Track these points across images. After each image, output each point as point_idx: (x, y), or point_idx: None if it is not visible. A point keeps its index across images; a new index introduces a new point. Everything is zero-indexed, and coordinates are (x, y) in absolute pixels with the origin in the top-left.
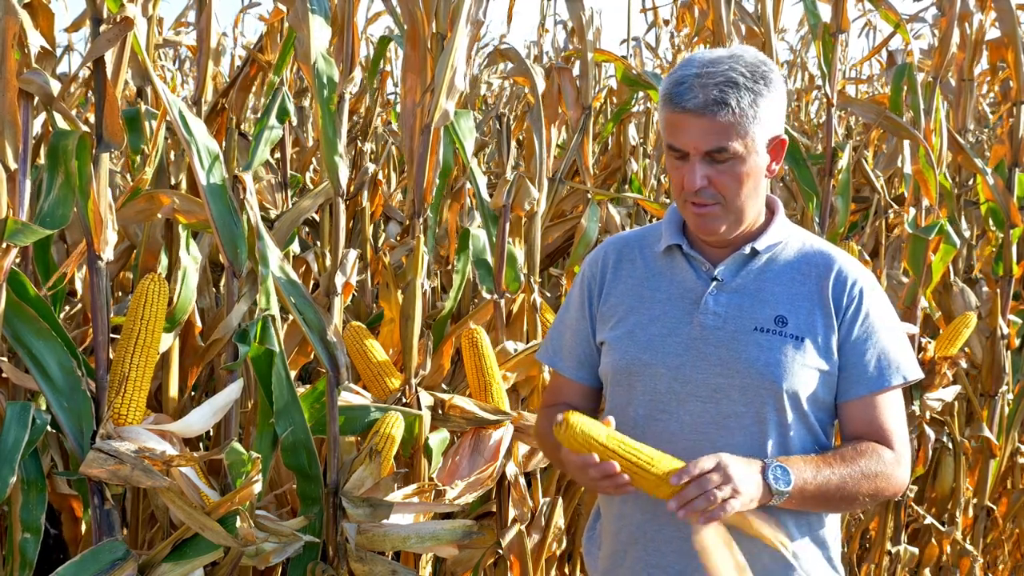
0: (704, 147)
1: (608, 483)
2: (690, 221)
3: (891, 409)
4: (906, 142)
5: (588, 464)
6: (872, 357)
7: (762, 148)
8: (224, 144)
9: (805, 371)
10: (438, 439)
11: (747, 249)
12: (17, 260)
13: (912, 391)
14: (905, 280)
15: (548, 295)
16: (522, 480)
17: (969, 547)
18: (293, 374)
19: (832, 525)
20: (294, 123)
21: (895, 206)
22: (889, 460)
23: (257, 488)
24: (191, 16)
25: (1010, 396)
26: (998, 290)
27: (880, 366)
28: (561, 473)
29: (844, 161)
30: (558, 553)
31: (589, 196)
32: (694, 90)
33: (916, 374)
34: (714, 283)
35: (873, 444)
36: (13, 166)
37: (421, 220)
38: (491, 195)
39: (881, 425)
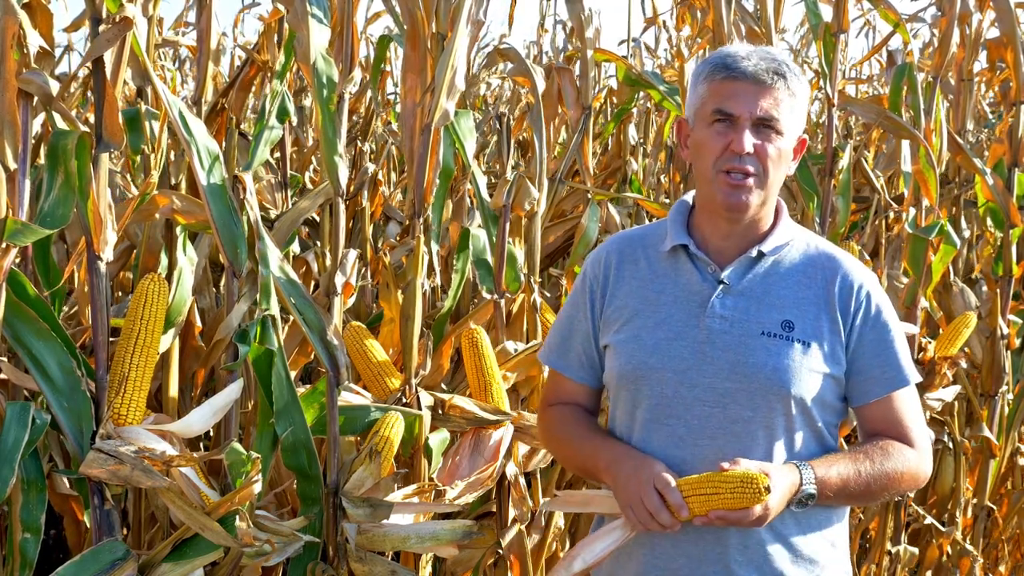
0: (759, 112)
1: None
2: (719, 193)
3: (908, 405)
4: (905, 142)
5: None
6: (885, 359)
7: (794, 138)
8: (224, 144)
9: (812, 375)
10: (438, 439)
11: (754, 252)
12: (17, 260)
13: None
14: (905, 280)
15: (548, 295)
16: (522, 480)
17: (969, 547)
18: (293, 374)
19: (841, 525)
20: (294, 123)
21: (895, 206)
22: (913, 459)
23: (257, 488)
24: (191, 16)
25: (1010, 396)
26: (998, 290)
27: (896, 366)
28: (562, 474)
29: (845, 161)
30: (561, 556)
31: (589, 196)
32: (752, 59)
33: (916, 376)
34: (721, 286)
35: (896, 443)
36: (13, 166)
37: (421, 220)
38: (491, 195)
39: (900, 422)
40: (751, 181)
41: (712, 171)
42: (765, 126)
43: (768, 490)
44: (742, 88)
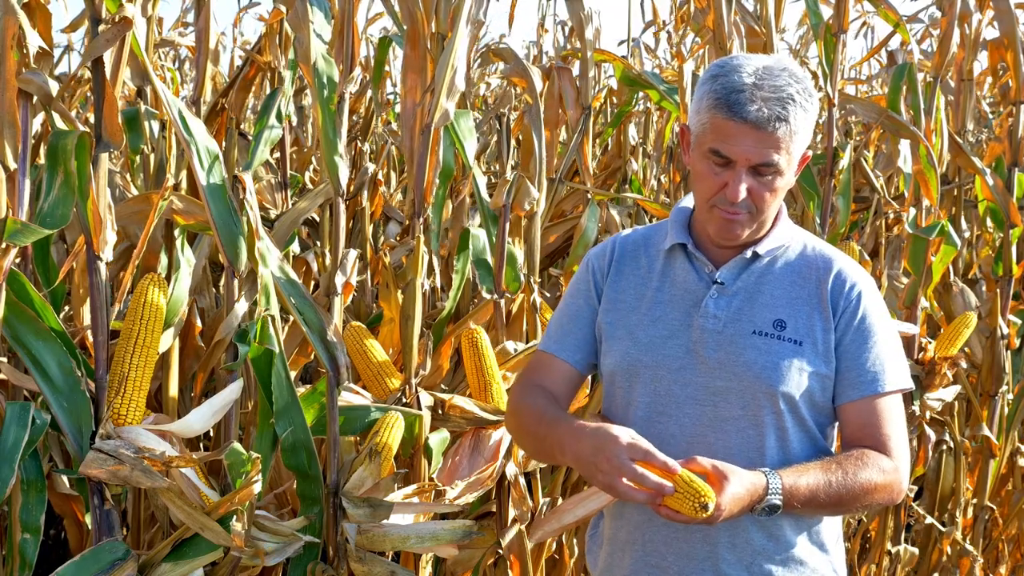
0: (756, 160)
1: (635, 492)
2: (713, 225)
3: (889, 415)
4: (905, 142)
5: (634, 472)
6: (868, 361)
7: (796, 163)
8: (224, 144)
9: (802, 375)
10: (438, 439)
11: (749, 253)
12: (17, 260)
13: (912, 391)
14: (905, 280)
15: (548, 295)
16: (522, 480)
17: (969, 547)
18: (293, 374)
19: (832, 528)
20: (294, 123)
21: (895, 206)
22: (888, 470)
23: (257, 488)
24: (190, 16)
25: (1010, 396)
26: (998, 290)
27: (876, 371)
28: (566, 475)
29: (845, 161)
30: (571, 564)
31: (589, 196)
32: (756, 102)
33: (909, 384)
34: (715, 286)
35: (873, 454)
36: (13, 166)
37: (421, 220)
38: (491, 195)
39: (879, 430)
40: (743, 217)
41: (706, 205)
42: (763, 171)
43: (704, 509)
44: (742, 133)
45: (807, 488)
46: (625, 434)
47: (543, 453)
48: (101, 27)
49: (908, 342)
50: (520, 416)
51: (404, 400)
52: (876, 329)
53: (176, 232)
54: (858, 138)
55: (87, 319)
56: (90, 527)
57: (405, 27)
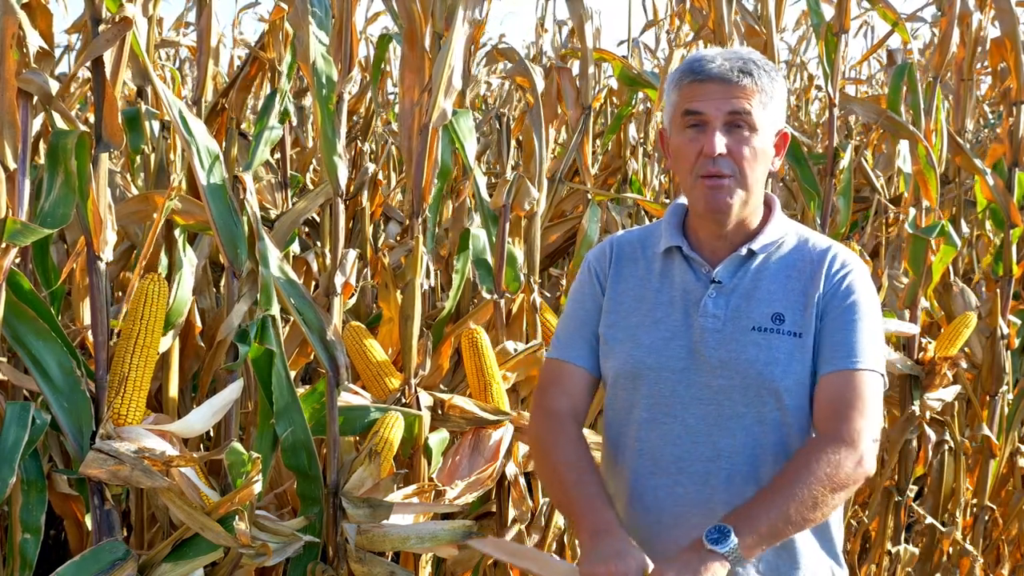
0: (726, 108)
1: None
2: (700, 199)
3: (861, 392)
4: (905, 142)
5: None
6: (846, 337)
7: (771, 134)
8: (224, 144)
9: (804, 367)
10: (438, 439)
11: (744, 250)
12: (16, 260)
13: (912, 391)
14: (905, 280)
15: (548, 295)
16: (522, 480)
17: (969, 547)
18: (293, 374)
19: (834, 518)
20: (294, 123)
21: (892, 208)
22: (829, 452)
23: (257, 488)
24: (191, 16)
25: (1010, 396)
26: (998, 290)
27: (854, 347)
28: None
29: (846, 161)
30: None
31: (589, 196)
32: (717, 61)
33: (883, 370)
34: (713, 285)
35: (802, 451)
36: (12, 166)
37: (420, 220)
38: (491, 195)
39: (845, 405)
40: (728, 182)
41: (691, 178)
42: (736, 125)
43: None
44: (710, 88)
45: (756, 505)
46: (642, 559)
47: (555, 500)
48: (101, 27)
49: (908, 342)
50: (551, 464)
51: (404, 400)
52: (861, 310)
53: (177, 232)
54: (858, 138)
55: (87, 319)
56: (90, 527)
57: (403, 26)
